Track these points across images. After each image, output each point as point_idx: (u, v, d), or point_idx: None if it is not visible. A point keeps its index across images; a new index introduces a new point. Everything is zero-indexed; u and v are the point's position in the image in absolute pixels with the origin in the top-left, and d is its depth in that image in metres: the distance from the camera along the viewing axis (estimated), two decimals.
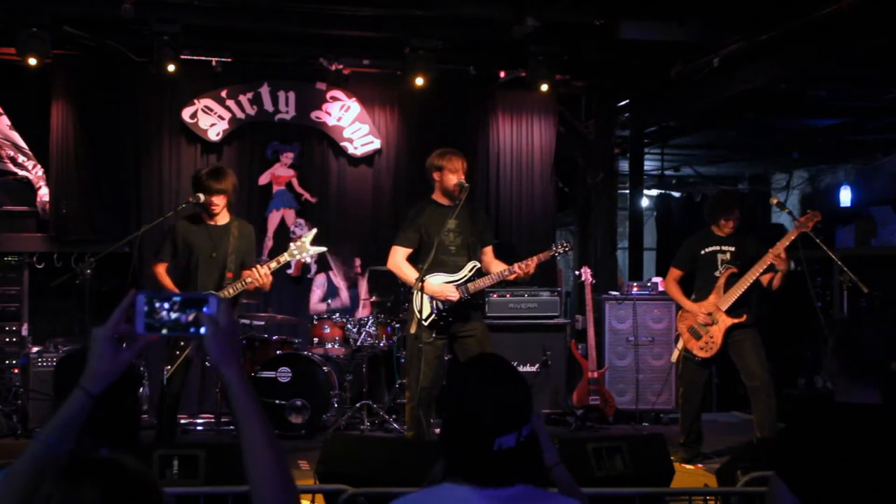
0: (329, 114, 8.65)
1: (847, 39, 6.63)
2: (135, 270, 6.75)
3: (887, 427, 2.62)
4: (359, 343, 7.39)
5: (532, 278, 6.13)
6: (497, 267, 5.94)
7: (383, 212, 8.76)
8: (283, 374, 7.18)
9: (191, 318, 1.65)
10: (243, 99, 8.50)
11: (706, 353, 6.37)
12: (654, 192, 13.01)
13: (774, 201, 7.41)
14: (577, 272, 8.71)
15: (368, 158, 8.79)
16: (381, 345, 7.46)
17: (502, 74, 8.76)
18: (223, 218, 6.10)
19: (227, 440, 6.25)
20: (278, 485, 1.62)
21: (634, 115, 9.66)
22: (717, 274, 6.37)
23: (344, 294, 7.89)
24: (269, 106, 8.55)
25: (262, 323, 7.75)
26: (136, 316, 1.66)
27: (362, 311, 7.98)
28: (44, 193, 8.28)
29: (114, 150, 8.36)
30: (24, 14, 7.22)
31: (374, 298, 7.76)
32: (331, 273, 8.14)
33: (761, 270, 6.17)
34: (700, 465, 6.31)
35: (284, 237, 8.55)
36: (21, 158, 8.29)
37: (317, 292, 8.08)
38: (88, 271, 5.99)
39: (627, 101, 9.43)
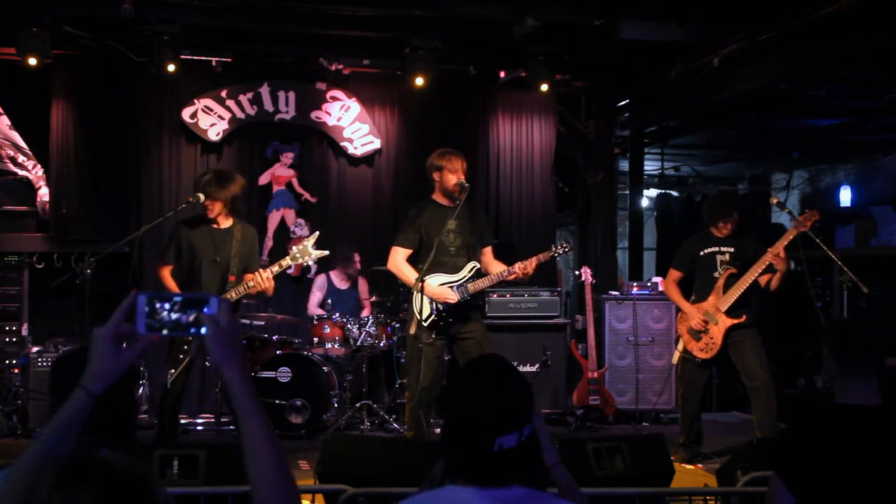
0: (329, 114, 8.65)
1: (847, 39, 6.63)
2: (135, 270, 6.76)
3: (887, 427, 2.63)
4: (359, 343, 7.39)
5: (532, 278, 6.13)
6: (497, 267, 5.94)
7: (383, 212, 8.76)
8: (283, 374, 7.18)
9: (191, 318, 1.65)
10: (243, 99, 8.50)
11: (706, 354, 6.37)
12: (654, 192, 13.01)
13: (774, 201, 7.42)
14: (577, 272, 8.71)
15: (368, 158, 8.80)
16: (381, 345, 7.46)
17: (502, 74, 8.76)
18: (226, 221, 6.10)
19: (227, 440, 6.25)
20: (279, 485, 1.62)
21: (634, 115, 9.67)
22: (716, 275, 6.37)
23: (347, 304, 7.88)
24: (269, 106, 8.56)
25: (262, 323, 7.75)
26: (137, 316, 1.66)
27: (364, 312, 7.97)
28: (44, 193, 8.28)
29: (114, 150, 8.36)
30: (24, 14, 7.22)
31: (374, 298, 7.76)
32: (332, 273, 8.12)
33: (760, 271, 6.17)
34: (700, 465, 6.31)
35: (284, 237, 8.56)
36: (21, 158, 8.29)
37: (317, 294, 8.07)
38: (88, 271, 6.00)
39: (627, 101, 9.44)
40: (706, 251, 6.46)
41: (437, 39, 7.77)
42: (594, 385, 7.72)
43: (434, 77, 7.92)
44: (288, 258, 5.90)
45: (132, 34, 7.76)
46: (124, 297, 1.68)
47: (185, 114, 8.36)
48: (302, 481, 4.33)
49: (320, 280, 8.12)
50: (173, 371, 5.79)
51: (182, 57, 7.66)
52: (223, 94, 8.44)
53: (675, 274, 6.65)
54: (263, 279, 5.78)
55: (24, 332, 7.94)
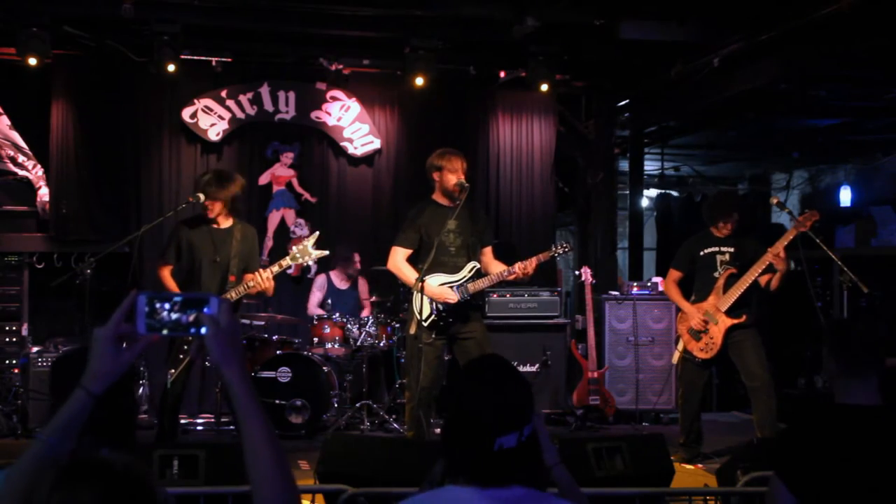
0: (329, 114, 8.65)
1: (847, 39, 6.63)
2: (135, 270, 6.76)
3: (887, 427, 2.63)
4: (359, 343, 7.39)
5: (532, 278, 6.13)
6: (497, 267, 5.94)
7: (383, 212, 8.77)
8: (283, 374, 7.18)
9: (191, 318, 1.65)
10: (243, 99, 8.50)
11: (706, 354, 6.37)
12: (654, 192, 13.01)
13: (774, 201, 7.42)
14: (577, 272, 8.71)
15: (368, 158, 8.80)
16: (381, 345, 7.46)
17: (502, 74, 8.76)
18: (226, 221, 6.10)
19: (227, 440, 6.25)
20: (279, 485, 1.62)
21: (634, 115, 9.67)
22: (716, 275, 6.37)
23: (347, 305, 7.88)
24: (269, 106, 8.56)
25: (262, 323, 7.75)
26: (137, 316, 1.66)
27: (364, 312, 7.96)
28: (44, 193, 8.28)
29: (114, 150, 8.37)
30: (24, 14, 7.22)
31: (374, 298, 7.76)
32: (331, 273, 8.12)
33: (760, 271, 6.17)
34: (700, 465, 6.31)
35: (284, 237, 8.56)
36: (21, 158, 8.29)
37: (316, 294, 8.07)
38: (88, 271, 6.00)
39: (627, 101, 9.44)
40: (706, 251, 6.46)
41: (437, 39, 7.77)
42: (594, 385, 7.72)
43: (434, 77, 7.92)
44: (288, 258, 5.89)
45: (132, 34, 7.76)
46: (124, 297, 1.68)
47: (185, 114, 8.36)
48: (302, 481, 4.33)
49: (320, 280, 8.12)
50: (173, 371, 5.79)
51: (182, 57, 7.65)
52: (223, 94, 8.44)
53: (674, 274, 6.65)
54: (263, 279, 5.78)
55: (24, 332, 7.94)
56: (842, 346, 2.72)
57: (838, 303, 8.47)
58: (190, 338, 5.49)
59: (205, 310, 1.65)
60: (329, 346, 7.41)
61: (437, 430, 6.08)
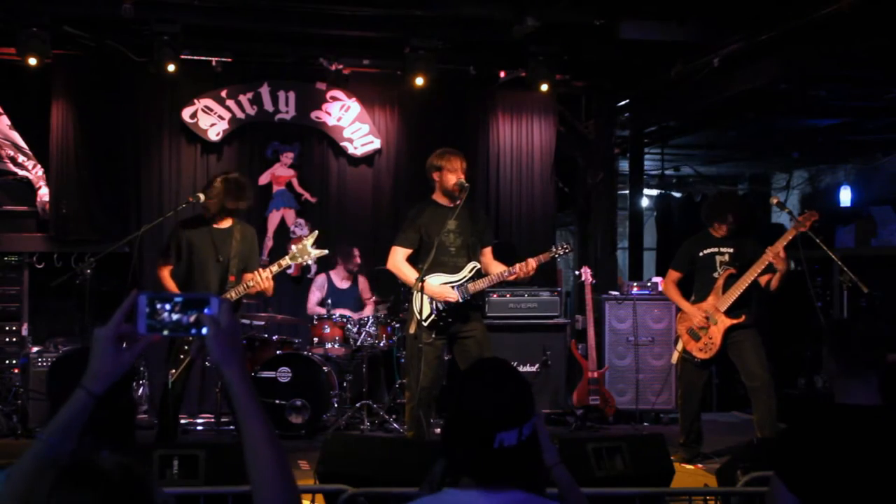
0: (329, 114, 8.65)
1: (847, 39, 6.63)
2: (135, 270, 6.76)
3: (887, 427, 2.63)
4: (359, 343, 7.39)
5: (532, 278, 6.14)
6: (497, 268, 5.94)
7: (383, 212, 8.77)
8: (283, 374, 7.18)
9: (192, 318, 1.65)
10: (243, 99, 8.50)
11: (705, 354, 6.37)
12: (654, 192, 13.01)
13: (774, 201, 7.42)
14: (577, 272, 8.71)
15: (368, 158, 8.80)
16: (381, 345, 7.46)
17: (502, 74, 8.76)
18: (225, 221, 6.10)
19: (227, 440, 6.26)
20: (279, 485, 1.62)
21: (634, 115, 9.67)
22: (715, 275, 6.37)
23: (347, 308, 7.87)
24: (269, 106, 8.56)
25: (262, 323, 7.75)
26: (138, 317, 1.66)
27: (367, 310, 7.95)
28: (44, 193, 8.28)
29: (114, 150, 8.37)
30: (24, 14, 7.22)
31: (373, 298, 7.75)
32: (332, 273, 8.12)
33: (759, 271, 6.17)
34: (700, 465, 6.31)
35: (284, 237, 8.56)
36: (21, 158, 8.29)
37: (316, 293, 8.06)
38: (88, 271, 6.01)
39: (627, 101, 9.44)
40: (705, 252, 6.46)
41: (437, 39, 7.77)
42: (594, 385, 7.72)
43: (434, 77, 7.92)
44: (287, 257, 5.90)
45: (132, 34, 7.76)
46: (124, 297, 1.68)
47: (185, 114, 8.36)
48: (302, 481, 4.33)
49: (320, 280, 8.12)
50: (174, 371, 5.79)
51: (182, 57, 7.65)
52: (223, 94, 8.44)
53: (674, 275, 6.65)
54: (263, 279, 5.78)
55: (24, 332, 7.94)
56: (842, 346, 2.72)
57: (838, 303, 8.47)
58: (190, 338, 5.49)
59: (205, 310, 1.65)
60: (329, 346, 7.41)
61: (437, 430, 6.09)
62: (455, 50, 8.27)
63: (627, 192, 10.34)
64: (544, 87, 8.16)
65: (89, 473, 1.46)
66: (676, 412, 7.11)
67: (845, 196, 11.44)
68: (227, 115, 8.45)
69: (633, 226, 10.12)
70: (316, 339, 7.43)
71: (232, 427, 6.58)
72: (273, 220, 8.63)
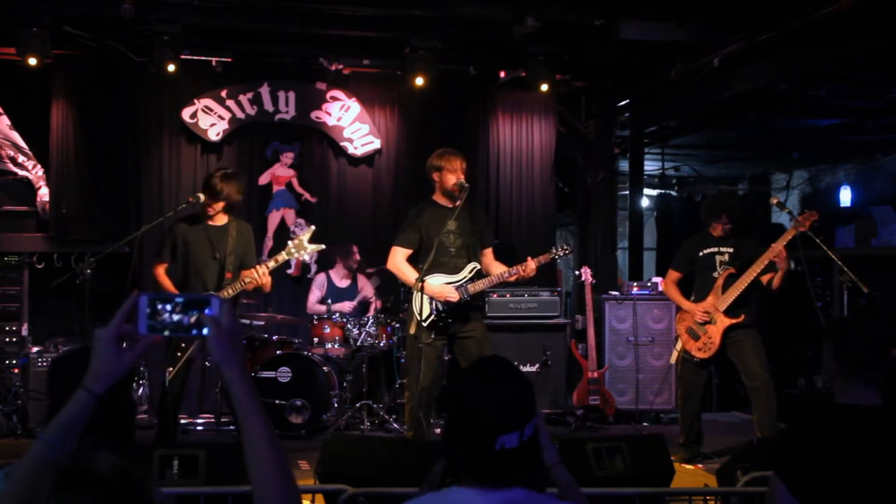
0: (329, 114, 8.65)
1: (847, 39, 6.63)
2: (135, 270, 6.76)
3: (887, 427, 2.63)
4: (359, 343, 7.39)
5: (532, 279, 6.13)
6: (497, 268, 5.94)
7: (383, 212, 8.77)
8: (283, 374, 7.18)
9: (193, 319, 1.65)
10: (243, 99, 8.50)
11: (704, 353, 6.37)
12: (654, 192, 13.01)
13: (774, 201, 7.42)
14: (577, 272, 8.71)
15: (368, 158, 8.80)
16: (381, 345, 7.46)
17: (502, 74, 8.76)
18: (221, 219, 6.11)
19: (227, 440, 6.26)
20: (280, 485, 1.62)
21: (634, 115, 9.67)
22: (715, 275, 6.37)
23: (347, 305, 7.86)
24: (269, 106, 8.56)
25: (262, 323, 7.75)
26: (139, 317, 1.66)
27: (370, 309, 7.95)
28: (44, 193, 8.28)
29: (114, 150, 8.37)
30: (24, 14, 7.22)
31: (373, 298, 7.75)
32: (331, 272, 8.12)
33: (759, 271, 6.17)
34: (700, 465, 6.31)
35: (284, 237, 8.54)
36: (21, 158, 8.29)
37: (315, 292, 8.06)
38: (88, 271, 6.01)
39: (627, 101, 9.44)
40: (705, 251, 6.46)
41: (437, 39, 7.77)
42: (594, 385, 7.72)
43: (434, 77, 7.92)
44: (283, 253, 5.92)
45: (132, 34, 7.76)
46: (124, 297, 1.68)
47: (185, 114, 8.36)
48: (302, 481, 4.33)
49: (320, 279, 8.12)
50: (171, 369, 5.80)
51: (182, 57, 7.66)
52: (223, 94, 8.44)
53: (674, 275, 6.65)
54: (261, 274, 5.80)
55: (24, 332, 7.94)
56: (842, 346, 2.72)
57: (838, 303, 8.47)
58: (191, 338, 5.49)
59: (206, 311, 1.65)
60: (329, 346, 7.41)
61: (437, 430, 6.09)
62: (455, 50, 8.27)
63: (627, 192, 10.34)
64: (544, 87, 8.17)
65: (86, 476, 1.46)
66: (676, 412, 7.11)
67: (845, 196, 11.44)
68: (227, 115, 8.45)
69: (633, 226, 10.12)
70: (316, 339, 7.43)
71: (232, 427, 6.59)
72: (273, 220, 8.64)
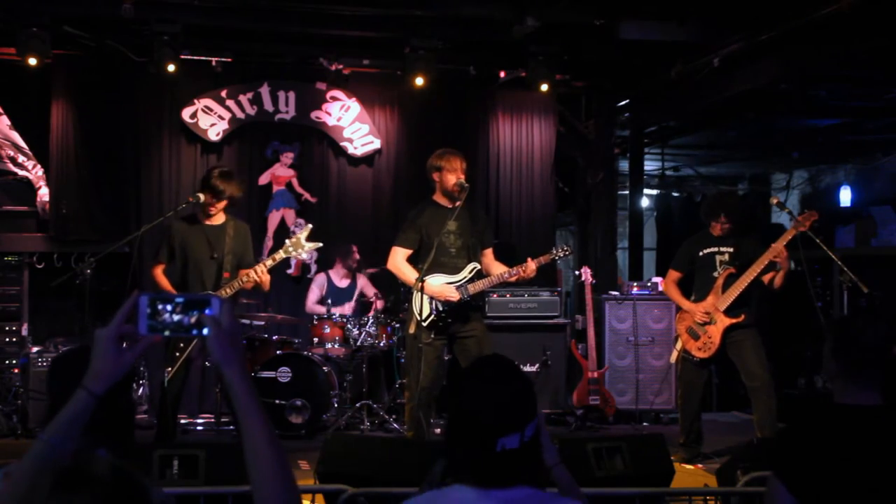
0: (329, 114, 8.66)
1: (847, 39, 6.63)
2: (135, 270, 6.76)
3: (887, 428, 2.62)
4: (359, 343, 7.39)
5: (532, 279, 6.13)
6: (497, 269, 5.94)
7: (383, 212, 8.77)
8: (283, 374, 7.17)
9: (193, 319, 1.65)
10: (243, 99, 8.50)
11: (704, 353, 6.37)
12: (654, 192, 13.01)
13: (774, 201, 7.42)
14: (577, 272, 8.71)
15: (368, 158, 8.80)
16: (381, 345, 7.46)
17: (502, 74, 8.77)
18: (219, 218, 6.11)
19: (227, 440, 6.26)
20: (280, 485, 1.62)
21: (634, 115, 9.67)
22: (715, 275, 6.37)
23: (347, 307, 7.86)
24: (269, 106, 8.56)
25: (262, 323, 7.75)
26: (139, 317, 1.66)
27: (370, 309, 7.95)
28: (44, 193, 8.28)
29: (114, 150, 8.37)
30: (24, 14, 7.23)
31: (372, 297, 7.75)
32: (331, 272, 8.12)
33: (759, 270, 6.17)
34: (700, 465, 6.31)
35: (284, 237, 8.50)
36: (21, 158, 8.29)
37: (315, 291, 8.06)
38: (88, 271, 6.01)
39: (627, 101, 9.44)
40: (705, 251, 6.46)
41: (437, 39, 7.78)
42: (594, 385, 7.72)
43: (434, 77, 7.92)
44: (281, 251, 5.92)
45: (132, 34, 7.76)
46: (124, 297, 1.68)
47: (185, 114, 8.36)
48: (302, 481, 4.33)
49: (320, 279, 8.12)
50: (170, 369, 5.80)
51: (182, 57, 7.66)
52: (223, 94, 8.44)
53: (674, 274, 6.65)
54: (259, 273, 5.80)
55: (24, 332, 7.94)
56: (843, 346, 2.72)
57: (838, 303, 8.47)
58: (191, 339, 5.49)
59: (206, 311, 1.65)
60: (329, 346, 7.41)
61: (438, 430, 6.10)
62: (455, 50, 8.27)
63: (627, 192, 10.35)
64: (544, 87, 8.17)
65: (86, 476, 1.46)
66: (676, 412, 7.10)
67: (845, 196, 11.44)
68: (227, 115, 8.45)
69: (633, 226, 10.12)
70: (316, 339, 7.43)
71: (232, 427, 6.58)
72: (273, 220, 8.64)
